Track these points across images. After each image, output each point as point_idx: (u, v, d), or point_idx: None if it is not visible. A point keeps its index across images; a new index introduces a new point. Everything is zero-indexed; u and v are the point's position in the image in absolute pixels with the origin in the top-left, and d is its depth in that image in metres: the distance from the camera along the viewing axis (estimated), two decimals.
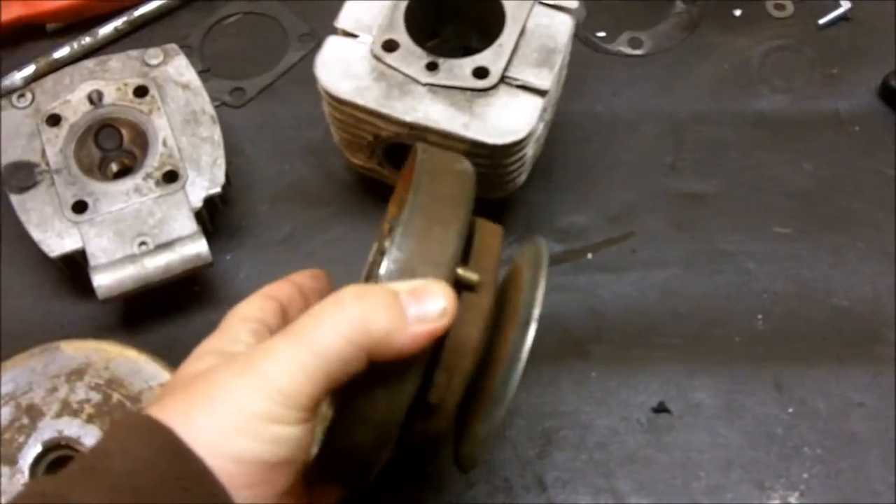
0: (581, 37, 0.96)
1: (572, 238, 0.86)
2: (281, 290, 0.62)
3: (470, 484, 0.75)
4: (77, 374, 0.73)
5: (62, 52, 0.93)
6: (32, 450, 0.71)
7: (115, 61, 0.86)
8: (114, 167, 0.84)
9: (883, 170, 0.89)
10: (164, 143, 0.82)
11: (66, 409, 0.72)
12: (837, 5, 0.97)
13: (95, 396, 0.73)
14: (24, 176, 0.80)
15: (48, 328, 0.82)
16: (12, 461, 0.70)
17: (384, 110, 0.74)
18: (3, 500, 0.69)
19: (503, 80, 0.75)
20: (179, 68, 0.86)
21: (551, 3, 0.78)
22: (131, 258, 0.77)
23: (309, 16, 0.98)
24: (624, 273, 0.84)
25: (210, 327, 0.58)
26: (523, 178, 0.81)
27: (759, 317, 0.82)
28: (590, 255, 0.85)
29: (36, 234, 0.78)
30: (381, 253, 0.64)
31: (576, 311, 0.81)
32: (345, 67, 0.76)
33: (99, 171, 0.83)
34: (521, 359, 0.57)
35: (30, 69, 0.92)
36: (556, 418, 0.77)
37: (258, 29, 0.98)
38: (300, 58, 0.96)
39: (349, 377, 0.52)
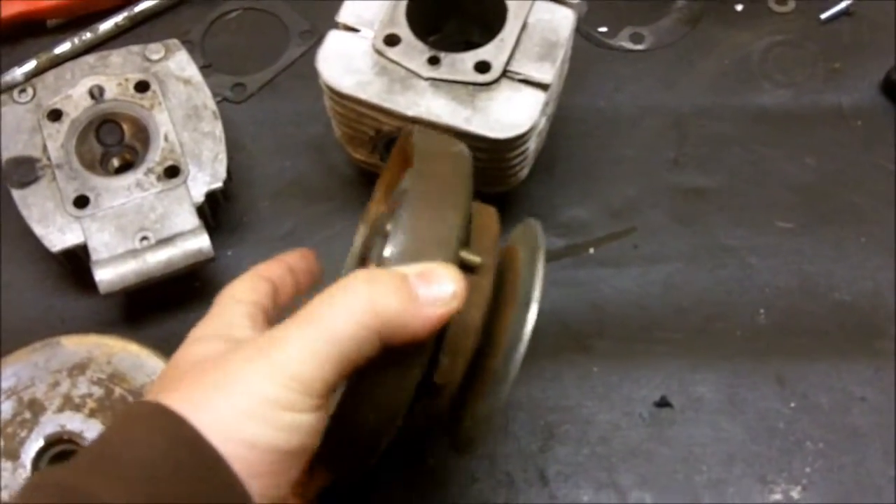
0: (583, 32, 0.96)
1: (574, 233, 0.86)
2: (272, 269, 0.62)
3: (472, 478, 0.75)
4: (79, 368, 0.73)
5: (63, 48, 0.93)
6: (34, 444, 0.71)
7: (116, 56, 0.86)
8: (115, 162, 0.84)
9: (885, 164, 0.88)
10: (166, 139, 0.82)
11: (69, 404, 0.72)
12: (839, 0, 0.97)
13: (98, 391, 0.73)
14: (25, 171, 0.80)
15: (50, 323, 0.82)
16: (14, 456, 0.70)
17: (386, 105, 0.74)
18: (5, 495, 0.69)
19: (505, 74, 0.75)
20: (181, 63, 0.86)
21: None
22: (133, 253, 0.77)
23: (310, 12, 0.97)
24: (626, 268, 0.84)
25: None
26: (525, 172, 0.81)
27: (762, 311, 0.82)
28: (591, 250, 0.85)
29: (37, 229, 0.78)
30: (377, 236, 0.64)
31: (577, 306, 0.81)
32: (346, 62, 0.76)
33: (100, 166, 0.83)
34: (525, 335, 0.57)
35: (31, 64, 0.92)
36: (557, 413, 0.77)
37: (259, 25, 0.98)
38: (301, 53, 0.96)
39: (362, 362, 0.52)
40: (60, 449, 0.72)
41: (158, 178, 0.80)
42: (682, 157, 0.89)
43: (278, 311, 0.60)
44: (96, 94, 0.83)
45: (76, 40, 0.94)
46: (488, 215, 0.63)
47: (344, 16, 0.78)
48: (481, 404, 0.59)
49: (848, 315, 0.82)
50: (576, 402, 0.78)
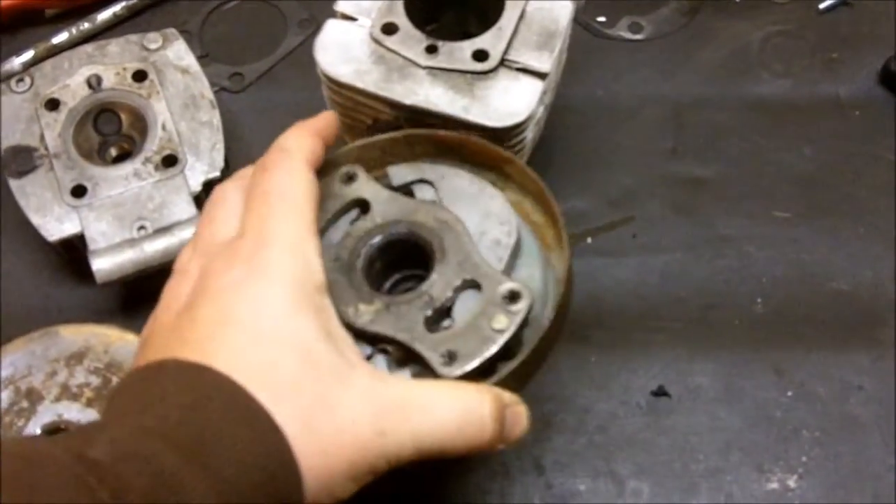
0: (581, 22, 0.96)
1: (572, 223, 0.85)
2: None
3: (468, 468, 0.75)
4: (76, 358, 0.73)
5: (61, 37, 0.93)
6: (32, 433, 0.71)
7: (114, 46, 0.86)
8: (113, 151, 0.84)
9: (883, 154, 0.88)
10: (163, 128, 0.82)
11: (66, 393, 0.72)
12: None
13: (95, 380, 0.73)
14: (23, 160, 0.80)
15: (47, 312, 0.82)
16: None
17: (384, 93, 0.74)
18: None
19: (503, 62, 0.74)
20: (178, 53, 0.85)
21: None
22: (130, 242, 0.77)
23: (308, 1, 0.97)
24: (624, 257, 0.84)
25: None
26: (523, 161, 0.81)
27: (759, 301, 0.82)
28: (590, 240, 0.85)
29: (35, 219, 0.78)
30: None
31: (576, 296, 0.80)
32: (344, 51, 0.75)
33: (98, 155, 0.83)
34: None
35: (29, 54, 0.92)
36: (555, 402, 0.77)
37: (257, 14, 0.98)
38: (299, 43, 0.96)
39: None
40: None
41: (156, 168, 0.80)
42: (680, 146, 0.89)
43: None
44: (94, 83, 0.83)
45: (74, 30, 0.94)
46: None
47: (342, 5, 0.77)
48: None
49: (845, 304, 0.82)
50: (573, 391, 0.78)
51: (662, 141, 0.90)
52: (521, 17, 0.76)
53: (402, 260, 0.68)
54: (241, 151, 0.89)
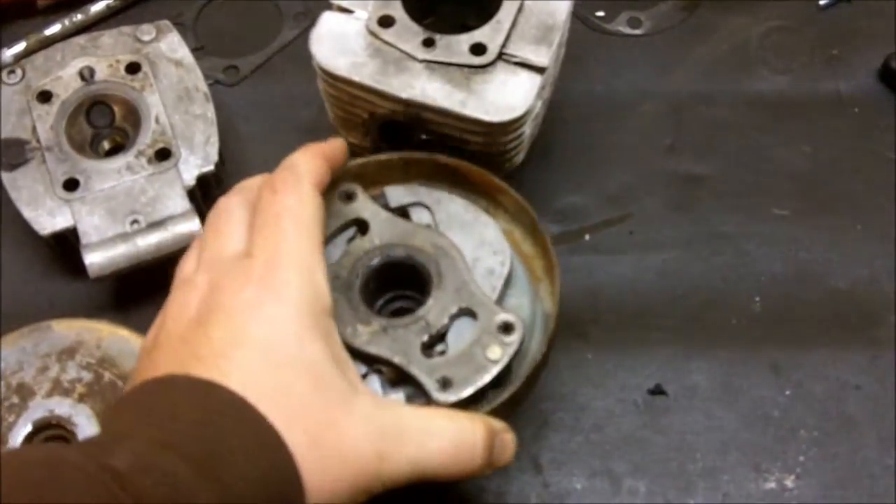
0: (580, 16, 0.95)
1: (569, 219, 0.85)
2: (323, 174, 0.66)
3: None
4: (68, 353, 0.73)
5: (53, 29, 0.93)
6: (23, 429, 0.70)
7: (108, 38, 0.85)
8: (105, 145, 0.83)
9: (883, 151, 0.88)
10: (157, 121, 0.81)
11: (58, 389, 0.72)
12: None
13: (87, 376, 0.72)
14: (14, 153, 0.79)
15: (39, 307, 0.81)
16: (2, 441, 0.70)
17: (380, 87, 0.73)
18: None
19: (501, 56, 0.74)
20: (172, 45, 0.85)
21: None
22: (123, 237, 0.76)
23: None
24: (621, 254, 0.84)
25: None
26: (521, 157, 0.80)
27: (757, 299, 0.81)
28: (587, 237, 0.84)
29: (27, 213, 0.77)
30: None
31: (572, 293, 0.80)
32: (340, 43, 0.75)
33: (90, 148, 0.82)
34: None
35: (21, 46, 0.91)
36: (551, 400, 0.77)
37: (252, 6, 0.97)
38: (295, 36, 0.95)
39: None
40: (49, 434, 0.71)
41: (149, 161, 0.79)
42: (678, 143, 0.89)
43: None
44: (87, 75, 0.83)
45: (67, 21, 0.93)
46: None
47: None
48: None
49: (843, 303, 0.81)
50: (570, 389, 0.78)
51: (661, 137, 0.89)
52: (520, 10, 0.76)
53: (398, 281, 0.70)
54: (235, 145, 0.88)
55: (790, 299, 0.81)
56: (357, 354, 0.64)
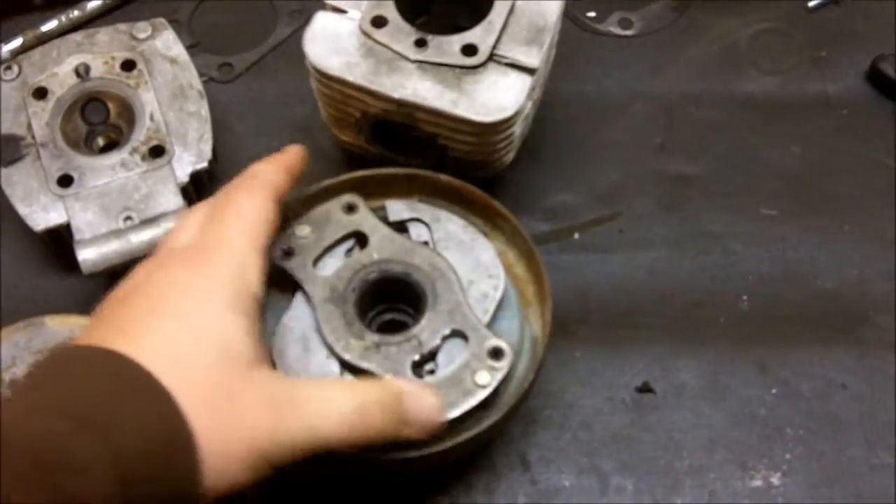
0: (571, 16, 0.96)
1: (559, 217, 0.86)
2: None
3: (453, 463, 0.75)
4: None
5: (50, 25, 0.93)
6: None
7: (103, 35, 0.85)
8: (100, 141, 0.84)
9: (871, 153, 0.89)
10: (151, 118, 0.81)
11: None
12: None
13: None
14: (9, 149, 0.80)
15: (33, 303, 0.81)
16: None
17: (372, 87, 0.73)
18: None
19: (492, 57, 0.74)
20: (167, 42, 0.85)
21: None
22: (116, 233, 0.77)
23: None
24: (610, 253, 0.84)
25: None
26: (511, 156, 0.81)
27: (745, 298, 0.82)
28: (576, 235, 0.85)
29: (21, 208, 0.78)
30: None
31: (561, 291, 0.80)
32: (333, 43, 0.75)
33: (85, 144, 0.82)
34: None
35: (17, 42, 0.91)
36: (540, 397, 0.77)
37: (247, 4, 0.97)
38: (289, 34, 0.95)
39: None
40: None
41: (143, 158, 0.80)
42: (668, 143, 0.90)
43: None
44: (82, 72, 0.83)
45: (63, 18, 0.94)
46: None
47: None
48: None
49: (830, 303, 0.82)
50: (558, 386, 0.78)
51: (651, 137, 0.90)
52: (511, 11, 0.76)
53: (392, 296, 0.71)
54: (229, 142, 0.88)
55: (777, 299, 0.82)
56: (348, 368, 0.66)
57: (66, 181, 0.78)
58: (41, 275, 0.83)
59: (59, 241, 0.79)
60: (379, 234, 0.70)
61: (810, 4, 0.97)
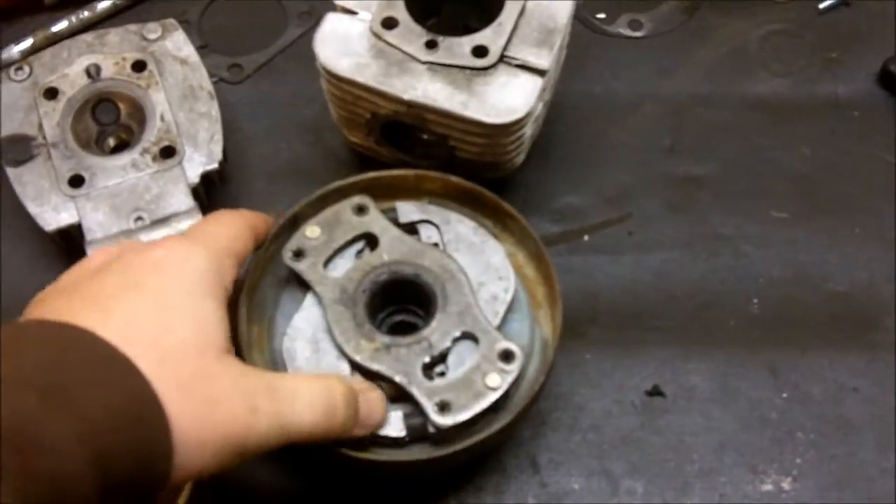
0: (581, 18, 0.95)
1: (569, 219, 0.85)
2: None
3: (463, 464, 0.75)
4: None
5: (60, 26, 0.93)
6: None
7: (114, 35, 0.85)
8: (111, 142, 0.84)
9: (881, 155, 0.88)
10: (162, 118, 0.81)
11: None
12: None
13: None
14: (21, 149, 0.80)
15: None
16: None
17: (383, 88, 0.73)
18: None
19: (502, 59, 0.74)
20: (178, 43, 0.85)
21: None
22: (127, 233, 0.77)
23: None
24: (620, 255, 0.84)
25: None
26: (521, 158, 0.81)
27: (755, 301, 0.82)
28: (586, 237, 0.85)
29: (32, 208, 0.78)
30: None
31: (571, 293, 0.80)
32: (344, 44, 0.75)
33: (96, 145, 0.82)
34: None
35: (28, 42, 0.91)
36: (549, 400, 0.77)
37: (257, 5, 0.97)
38: (299, 35, 0.95)
39: None
40: None
41: (154, 159, 0.80)
42: (677, 144, 0.89)
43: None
44: (93, 72, 0.83)
45: (74, 18, 0.94)
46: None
47: None
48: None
49: (841, 306, 0.82)
50: (568, 389, 0.78)
51: (660, 139, 0.90)
52: (522, 13, 0.76)
53: (402, 297, 0.71)
54: (239, 143, 0.89)
55: (788, 301, 0.82)
56: (358, 369, 0.66)
57: (76, 181, 0.79)
58: (51, 275, 0.82)
59: (70, 241, 0.80)
60: (389, 235, 0.71)
61: (820, 6, 0.96)
